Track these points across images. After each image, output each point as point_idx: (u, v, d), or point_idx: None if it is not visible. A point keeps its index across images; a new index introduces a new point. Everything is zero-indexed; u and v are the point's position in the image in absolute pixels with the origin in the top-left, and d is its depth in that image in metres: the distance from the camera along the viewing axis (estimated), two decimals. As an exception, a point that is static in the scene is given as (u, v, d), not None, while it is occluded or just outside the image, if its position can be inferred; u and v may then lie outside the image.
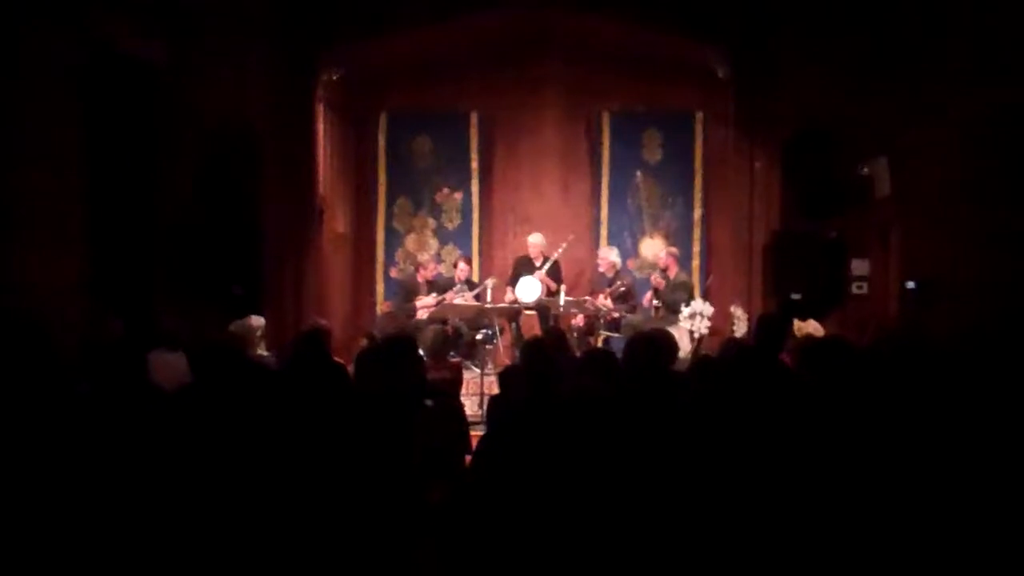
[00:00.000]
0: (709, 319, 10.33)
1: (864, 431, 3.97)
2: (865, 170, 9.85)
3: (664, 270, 11.02)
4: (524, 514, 3.43)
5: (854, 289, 10.34)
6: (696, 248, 12.11)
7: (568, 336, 9.53)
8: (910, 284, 8.74)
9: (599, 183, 12.34)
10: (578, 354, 7.80)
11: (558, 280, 11.35)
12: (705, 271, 12.03)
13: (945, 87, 8.31)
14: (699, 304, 10.46)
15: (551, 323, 10.81)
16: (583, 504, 3.43)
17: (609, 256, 11.38)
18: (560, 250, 11.46)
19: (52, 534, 3.24)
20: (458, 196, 12.40)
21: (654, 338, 5.66)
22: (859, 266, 10.30)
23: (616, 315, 10.81)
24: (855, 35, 9.77)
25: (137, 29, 8.32)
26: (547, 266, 11.34)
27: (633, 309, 11.03)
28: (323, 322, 8.02)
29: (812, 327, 8.56)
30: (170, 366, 5.33)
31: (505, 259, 12.29)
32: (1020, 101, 7.03)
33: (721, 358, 5.49)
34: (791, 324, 7.66)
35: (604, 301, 10.85)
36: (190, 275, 8.75)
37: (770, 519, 3.49)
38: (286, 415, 4.16)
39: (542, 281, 11.26)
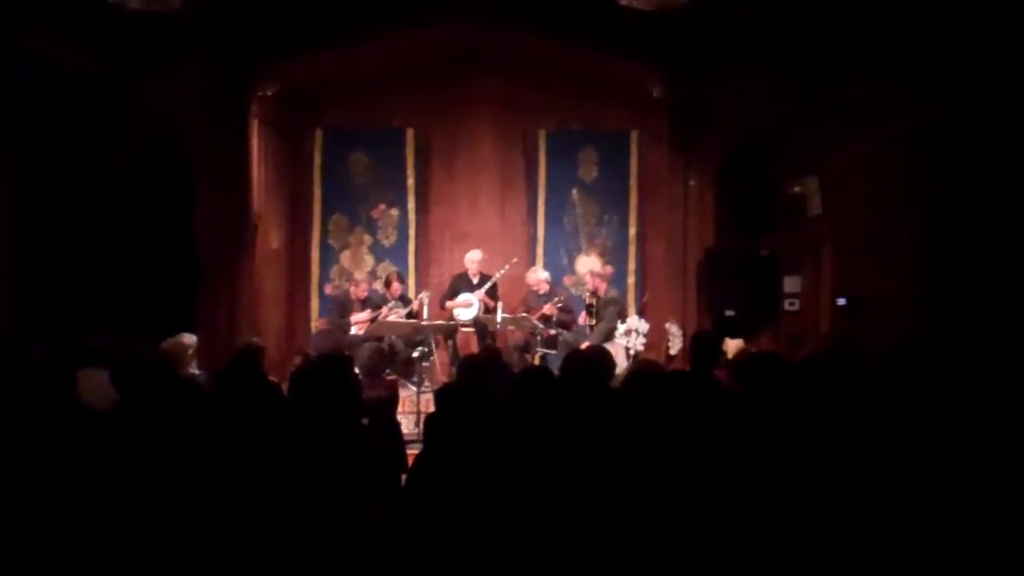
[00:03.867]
0: (645, 336, 10.39)
1: (797, 444, 4.02)
2: (797, 188, 9.99)
3: (593, 292, 11.05)
4: (460, 532, 3.41)
5: (786, 305, 10.46)
6: (631, 265, 12.18)
7: (505, 353, 9.52)
8: (841, 301, 8.86)
9: (535, 200, 12.37)
10: (515, 371, 7.79)
11: (495, 299, 11.34)
12: (640, 288, 12.09)
13: (871, 107, 8.46)
14: (635, 321, 10.53)
15: (488, 340, 10.80)
16: (519, 521, 3.42)
17: (538, 276, 11.38)
18: (502, 271, 11.45)
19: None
20: (394, 212, 12.34)
21: (591, 355, 5.68)
22: (791, 283, 10.43)
23: (552, 333, 10.83)
24: (786, 57, 9.94)
25: (73, 44, 8.21)
26: (486, 287, 11.32)
27: (569, 327, 11.05)
28: (256, 340, 7.92)
29: (736, 346, 8.65)
30: (100, 384, 5.23)
31: (442, 276, 12.27)
32: (940, 122, 7.18)
33: (649, 374, 5.52)
34: (723, 341, 7.74)
35: (551, 309, 10.84)
36: (121, 293, 8.62)
37: (705, 531, 3.50)
38: (219, 434, 4.11)
39: (480, 300, 11.25)
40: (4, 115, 7.11)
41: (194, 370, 7.18)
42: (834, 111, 9.24)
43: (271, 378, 6.55)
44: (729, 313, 10.37)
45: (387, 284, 11.34)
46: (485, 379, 5.61)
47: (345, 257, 12.35)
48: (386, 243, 12.38)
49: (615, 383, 5.93)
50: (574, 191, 12.27)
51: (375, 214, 12.33)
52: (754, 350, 8.32)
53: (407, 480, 4.51)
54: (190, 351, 7.32)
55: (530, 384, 5.15)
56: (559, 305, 10.96)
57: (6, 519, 3.27)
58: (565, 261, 12.27)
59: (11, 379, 4.27)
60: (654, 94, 11.19)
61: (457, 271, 11.81)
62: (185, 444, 3.86)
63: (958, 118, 6.93)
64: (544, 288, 11.25)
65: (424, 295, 11.11)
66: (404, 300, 11.22)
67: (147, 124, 9.39)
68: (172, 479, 3.62)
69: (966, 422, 4.16)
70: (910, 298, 7.69)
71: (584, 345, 9.31)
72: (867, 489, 3.66)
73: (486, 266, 11.58)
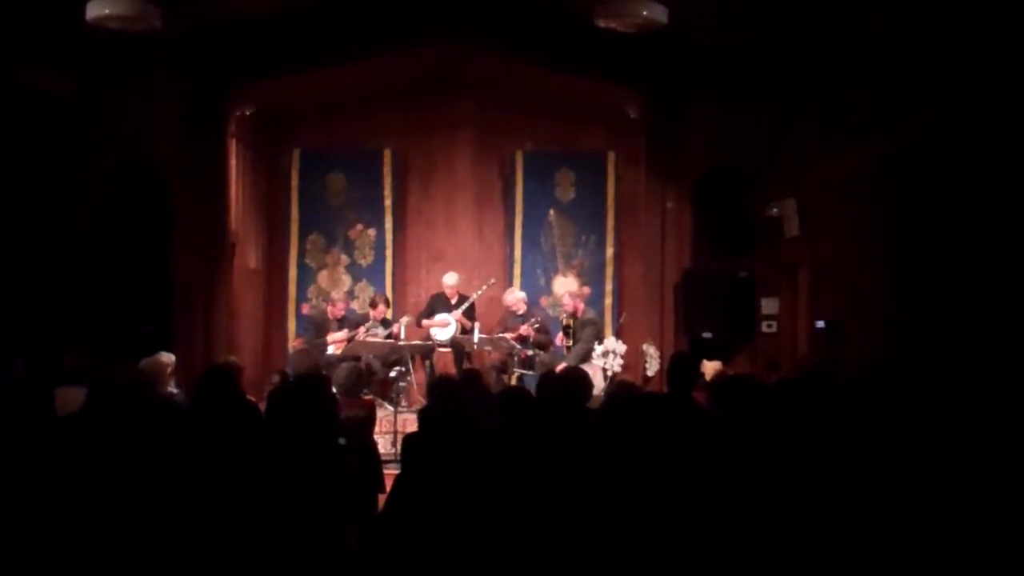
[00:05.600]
0: (622, 357, 10.42)
1: (775, 466, 4.03)
2: (774, 211, 10.04)
3: (571, 313, 11.06)
4: (440, 554, 3.40)
5: (764, 327, 10.50)
6: (609, 286, 12.19)
7: (484, 374, 9.51)
8: (819, 323, 8.90)
9: (512, 221, 12.37)
10: (493, 392, 7.79)
11: (472, 319, 11.34)
12: (618, 309, 12.11)
13: (847, 131, 8.53)
14: (612, 342, 10.55)
15: (465, 361, 10.79)
16: (497, 544, 3.42)
17: (515, 296, 11.38)
18: (479, 292, 11.45)
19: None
20: (372, 233, 12.33)
21: (568, 376, 5.69)
22: (768, 305, 10.48)
23: (530, 353, 10.83)
24: (763, 78, 10.03)
25: (48, 65, 8.20)
26: (464, 307, 11.31)
27: (546, 347, 11.05)
28: (234, 359, 7.91)
29: (713, 368, 8.68)
30: (77, 401, 5.19)
31: (419, 296, 12.26)
32: (919, 144, 7.24)
33: (626, 397, 5.53)
34: (701, 363, 7.75)
35: (528, 330, 10.84)
36: (97, 312, 8.58)
37: (683, 553, 3.51)
38: (196, 453, 4.09)
39: (458, 321, 11.25)
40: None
41: (172, 388, 7.16)
42: (812, 134, 9.32)
43: (248, 397, 6.52)
44: (706, 335, 10.40)
45: (372, 305, 11.32)
46: (459, 400, 5.60)
47: (322, 277, 12.32)
48: (363, 263, 12.36)
49: (592, 404, 5.94)
50: (551, 212, 12.29)
51: (352, 234, 12.32)
52: (731, 372, 8.35)
53: (385, 503, 4.49)
54: (168, 370, 7.29)
55: (509, 406, 5.15)
56: (536, 326, 10.96)
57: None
58: (542, 282, 12.27)
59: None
60: (631, 115, 11.26)
61: (434, 291, 11.80)
62: (161, 463, 3.84)
63: (937, 140, 6.98)
64: (521, 308, 11.25)
65: (404, 319, 11.12)
66: (385, 323, 11.19)
67: (123, 143, 9.37)
68: (149, 496, 3.60)
69: (944, 444, 4.19)
70: (888, 321, 7.73)
71: (561, 366, 9.31)
72: (844, 511, 3.67)
73: (463, 287, 11.59)
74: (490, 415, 5.20)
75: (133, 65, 9.23)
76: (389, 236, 12.34)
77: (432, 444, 4.77)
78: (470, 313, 11.38)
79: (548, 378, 5.73)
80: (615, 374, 10.29)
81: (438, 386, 6.17)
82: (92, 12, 7.69)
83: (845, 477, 3.90)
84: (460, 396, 5.73)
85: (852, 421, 4.58)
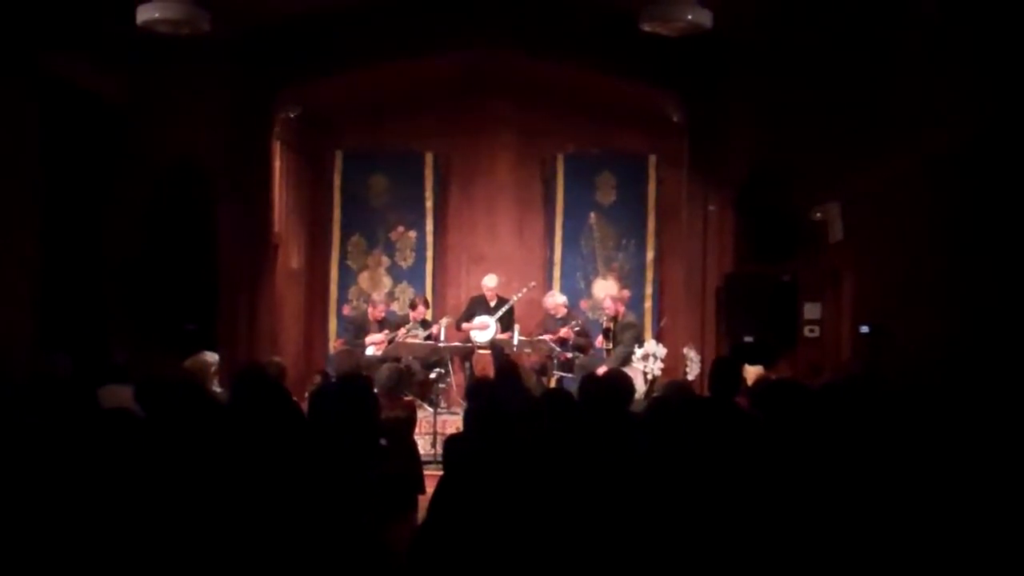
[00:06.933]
0: (662, 360, 10.37)
1: (819, 472, 3.98)
2: (818, 215, 9.93)
3: (612, 316, 11.01)
4: (486, 561, 3.38)
5: (806, 332, 10.37)
6: (649, 290, 12.15)
7: (523, 371, 9.50)
8: (864, 328, 8.79)
9: (553, 224, 12.37)
10: (534, 393, 7.76)
11: (511, 323, 11.32)
12: (658, 313, 12.06)
13: (893, 132, 8.41)
14: (652, 346, 10.50)
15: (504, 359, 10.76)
16: (544, 548, 3.39)
17: (555, 299, 11.36)
18: (519, 295, 11.44)
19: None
20: (412, 234, 12.36)
21: (611, 379, 5.65)
22: (811, 309, 10.35)
23: (569, 356, 10.80)
24: (806, 79, 9.89)
25: (96, 67, 8.27)
26: (503, 310, 11.30)
27: (586, 350, 11.02)
28: (278, 359, 7.95)
29: (755, 372, 8.61)
30: (121, 400, 5.23)
31: (458, 298, 12.27)
32: (968, 144, 7.11)
33: (674, 400, 5.49)
34: (743, 368, 7.68)
35: (568, 332, 10.82)
36: (143, 311, 8.65)
37: (725, 559, 3.47)
38: (241, 452, 4.10)
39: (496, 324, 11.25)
40: (30, 137, 7.16)
41: (216, 388, 7.19)
42: (857, 135, 9.17)
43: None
44: (748, 339, 10.30)
45: (412, 307, 11.36)
46: (498, 402, 5.57)
47: (363, 278, 12.36)
48: (404, 265, 12.40)
49: (634, 408, 5.90)
50: (592, 215, 12.27)
51: (393, 236, 12.36)
52: (773, 377, 8.27)
53: (429, 507, 4.46)
54: (212, 369, 7.34)
55: (552, 407, 5.12)
56: (576, 329, 10.94)
57: (18, 526, 3.27)
58: (582, 285, 12.25)
59: (35, 395, 4.28)
60: (673, 118, 11.19)
61: (474, 293, 11.80)
62: (208, 462, 3.86)
63: (987, 139, 6.83)
64: (561, 312, 11.24)
65: (444, 320, 11.13)
66: (424, 324, 11.20)
67: (170, 143, 9.44)
68: (194, 498, 3.61)
69: (994, 454, 4.11)
70: (936, 327, 7.60)
71: (601, 369, 9.28)
72: (890, 519, 3.62)
73: (503, 289, 11.58)
74: (532, 417, 5.17)
75: (181, 66, 9.29)
76: (430, 238, 12.37)
77: (476, 448, 4.75)
78: (509, 317, 11.36)
79: (590, 381, 5.70)
80: (655, 377, 10.24)
81: (476, 389, 6.16)
82: (143, 16, 7.76)
83: (889, 484, 3.84)
84: (498, 398, 5.70)
85: (898, 427, 4.51)
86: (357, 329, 11.25)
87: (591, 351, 11.08)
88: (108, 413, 4.13)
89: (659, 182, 12.14)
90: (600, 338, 11.12)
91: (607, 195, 12.34)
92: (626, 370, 9.50)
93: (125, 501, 3.54)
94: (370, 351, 10.89)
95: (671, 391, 6.28)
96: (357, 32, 10.55)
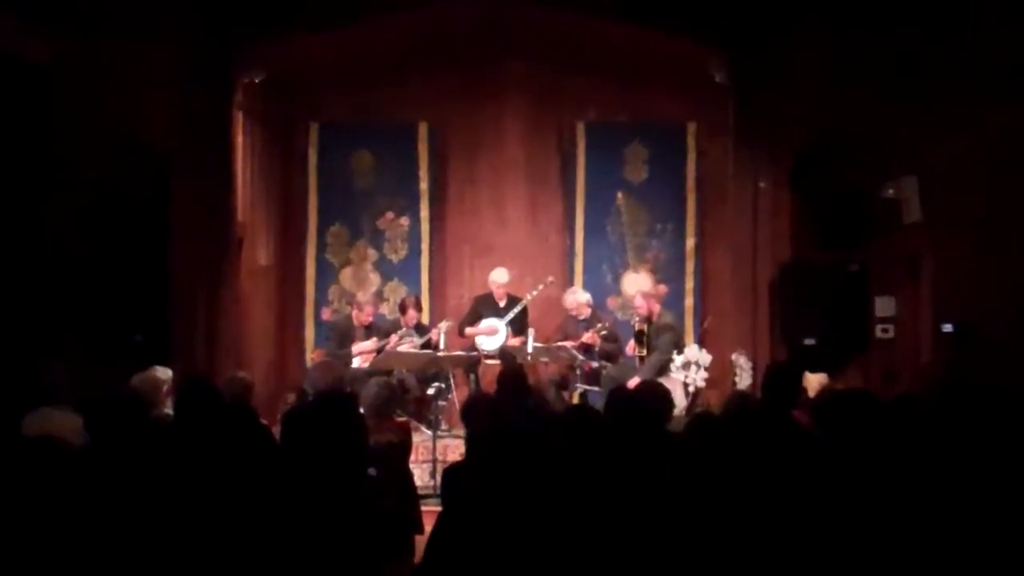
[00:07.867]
0: (706, 369, 10.38)
1: (891, 501, 3.98)
2: (891, 191, 9.93)
3: (645, 317, 11.00)
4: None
5: (878, 332, 10.39)
6: (689, 284, 12.15)
7: (539, 389, 9.51)
8: (947, 327, 8.79)
9: (573, 207, 12.39)
10: (551, 409, 7.78)
11: (525, 326, 11.32)
12: (701, 312, 12.07)
13: (980, 93, 8.40)
14: (694, 351, 10.51)
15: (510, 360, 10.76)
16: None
17: (577, 298, 11.37)
18: (534, 293, 11.46)
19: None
20: (404, 222, 12.39)
21: (644, 393, 5.67)
22: (884, 305, 10.36)
23: (595, 365, 10.82)
24: (878, 33, 9.87)
25: (20, 21, 8.28)
26: (514, 311, 11.31)
27: (615, 358, 11.03)
28: (243, 374, 7.97)
29: (818, 381, 8.62)
30: (55, 426, 5.25)
31: (461, 298, 12.30)
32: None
33: (723, 416, 5.51)
34: (803, 376, 7.69)
35: (593, 337, 10.84)
36: (82, 319, 8.69)
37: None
38: (197, 485, 4.11)
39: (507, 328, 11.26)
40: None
41: (168, 410, 7.22)
42: (937, 98, 9.17)
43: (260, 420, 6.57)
44: (809, 342, 10.31)
45: (401, 310, 11.37)
46: (501, 422, 5.59)
47: (346, 275, 12.40)
48: (394, 259, 12.43)
49: (673, 426, 5.92)
50: (619, 195, 12.29)
51: (381, 224, 12.39)
52: (840, 387, 8.28)
53: (427, 546, 4.49)
54: (164, 387, 7.36)
55: (574, 427, 5.14)
56: (603, 333, 10.96)
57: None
58: (609, 280, 12.27)
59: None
60: (716, 79, 11.17)
61: (479, 292, 11.82)
62: (160, 497, 3.88)
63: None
64: (585, 312, 11.26)
65: (443, 324, 11.13)
66: (420, 330, 11.22)
67: (109, 116, 9.44)
68: (145, 540, 3.64)
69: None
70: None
71: (634, 381, 9.30)
72: (980, 559, 3.63)
73: (515, 286, 11.59)
74: (548, 439, 5.19)
75: (123, 26, 9.30)
76: (425, 226, 12.41)
77: (482, 479, 4.76)
78: (522, 319, 11.38)
79: (620, 395, 5.72)
80: (698, 390, 10.25)
81: (472, 408, 6.19)
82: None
83: (979, 519, 3.84)
84: (503, 416, 5.72)
85: (991, 447, 4.51)
86: (340, 337, 11.26)
87: (621, 359, 11.09)
88: (31, 442, 4.15)
89: (700, 155, 12.15)
90: (631, 343, 11.12)
91: (637, 171, 12.36)
92: (663, 381, 9.53)
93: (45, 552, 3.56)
94: (356, 363, 10.92)
95: (732, 406, 6.28)
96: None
